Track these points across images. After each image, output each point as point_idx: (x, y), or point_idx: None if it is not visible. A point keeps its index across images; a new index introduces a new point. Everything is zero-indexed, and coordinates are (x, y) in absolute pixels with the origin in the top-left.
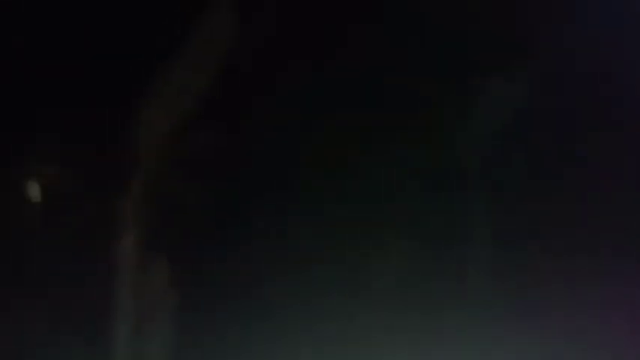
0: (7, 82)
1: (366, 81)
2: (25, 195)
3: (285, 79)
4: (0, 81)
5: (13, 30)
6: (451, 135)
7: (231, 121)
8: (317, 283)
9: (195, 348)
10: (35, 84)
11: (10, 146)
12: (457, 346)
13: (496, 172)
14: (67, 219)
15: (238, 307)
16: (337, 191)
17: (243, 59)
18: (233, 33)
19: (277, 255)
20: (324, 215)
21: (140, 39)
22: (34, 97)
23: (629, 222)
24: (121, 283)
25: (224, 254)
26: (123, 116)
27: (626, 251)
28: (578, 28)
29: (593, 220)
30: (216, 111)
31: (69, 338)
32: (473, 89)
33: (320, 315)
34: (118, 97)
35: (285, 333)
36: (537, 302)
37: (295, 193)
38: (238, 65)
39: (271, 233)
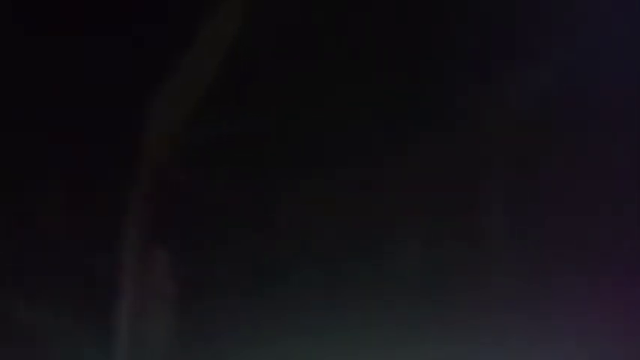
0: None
1: (373, 76)
2: (32, 189)
3: (294, 70)
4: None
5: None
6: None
7: (241, 112)
8: (330, 279)
9: (198, 341)
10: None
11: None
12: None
13: (508, 168)
14: (73, 211)
15: (246, 301)
16: (351, 181)
17: (253, 49)
18: (242, 24)
19: (289, 247)
20: (338, 206)
21: (150, 29)
22: (43, 93)
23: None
24: (126, 277)
25: (233, 246)
26: (130, 108)
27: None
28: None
29: (602, 217)
30: (226, 102)
31: (71, 332)
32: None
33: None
34: (126, 88)
35: (289, 327)
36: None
37: (311, 182)
38: (248, 55)
39: (284, 224)
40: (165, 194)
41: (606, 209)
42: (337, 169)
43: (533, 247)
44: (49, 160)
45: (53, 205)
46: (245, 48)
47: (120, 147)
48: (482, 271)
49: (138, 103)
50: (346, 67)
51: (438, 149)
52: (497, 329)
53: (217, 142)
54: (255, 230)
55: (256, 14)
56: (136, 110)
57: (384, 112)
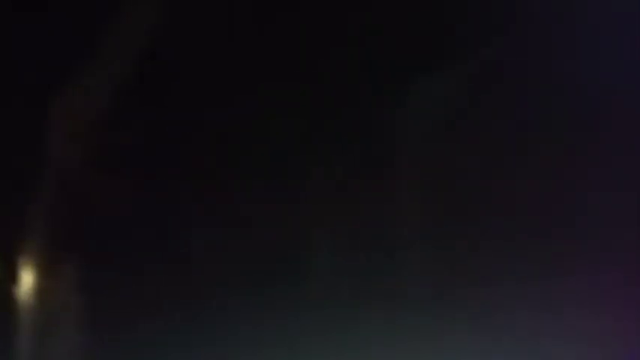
0: None
1: (294, 77)
2: None
3: (209, 75)
4: None
5: None
6: (383, 133)
7: (151, 119)
8: (236, 284)
9: (104, 352)
10: None
11: None
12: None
13: (430, 171)
14: None
15: (154, 310)
16: (264, 191)
17: (163, 54)
18: (152, 28)
19: (198, 258)
20: (249, 216)
21: (54, 34)
22: None
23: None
24: (27, 287)
25: (140, 256)
26: (33, 114)
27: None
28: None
29: (527, 219)
30: (135, 109)
31: None
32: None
33: (235, 315)
34: (30, 94)
35: (206, 334)
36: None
37: (220, 193)
38: (158, 60)
39: (192, 235)
40: (71, 200)
41: (527, 214)
42: (255, 177)
43: (454, 255)
44: None
45: None
46: (159, 48)
47: (21, 149)
48: (399, 279)
49: (42, 103)
50: (263, 69)
51: (355, 156)
52: (415, 336)
53: (129, 145)
54: (171, 239)
55: (171, 13)
56: (40, 110)
57: (302, 118)
